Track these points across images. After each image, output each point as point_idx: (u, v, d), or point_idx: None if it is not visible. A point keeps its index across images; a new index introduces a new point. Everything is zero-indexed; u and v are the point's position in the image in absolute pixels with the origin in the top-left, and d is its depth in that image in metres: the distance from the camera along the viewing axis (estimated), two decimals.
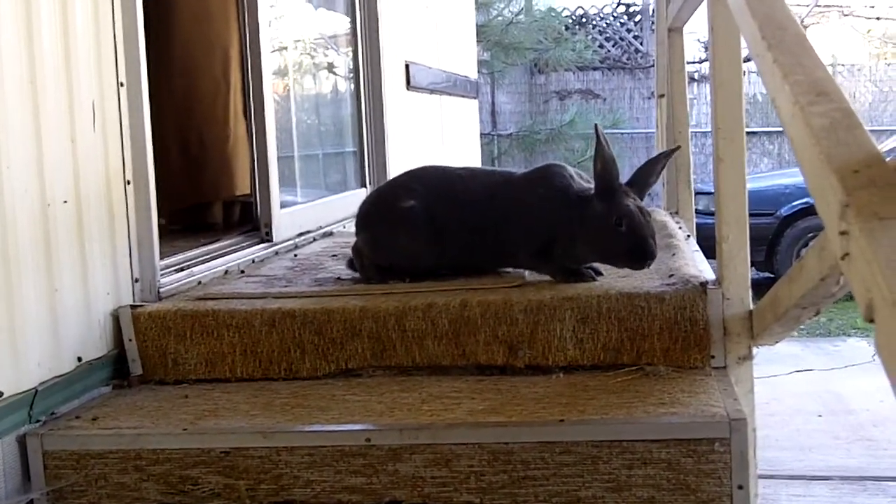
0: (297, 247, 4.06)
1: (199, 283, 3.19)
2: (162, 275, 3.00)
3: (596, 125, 2.75)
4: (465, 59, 7.75)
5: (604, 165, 2.70)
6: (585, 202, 2.75)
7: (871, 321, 1.14)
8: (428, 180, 3.07)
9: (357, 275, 3.13)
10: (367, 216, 3.13)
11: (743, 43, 2.50)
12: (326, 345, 2.70)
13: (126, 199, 2.85)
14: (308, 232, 4.26)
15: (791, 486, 5.01)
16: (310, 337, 2.70)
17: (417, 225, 2.95)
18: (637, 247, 2.66)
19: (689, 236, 3.78)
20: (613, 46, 15.42)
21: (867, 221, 1.21)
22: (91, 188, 2.68)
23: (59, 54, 2.56)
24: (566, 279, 2.79)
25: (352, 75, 5.23)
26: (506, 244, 2.90)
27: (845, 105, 1.52)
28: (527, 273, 2.95)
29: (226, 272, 3.39)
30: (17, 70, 2.40)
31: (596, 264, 2.90)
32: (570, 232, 2.77)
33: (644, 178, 2.81)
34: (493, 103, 14.79)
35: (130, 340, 2.76)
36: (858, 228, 1.21)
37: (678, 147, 2.97)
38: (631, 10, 15.64)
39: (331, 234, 4.48)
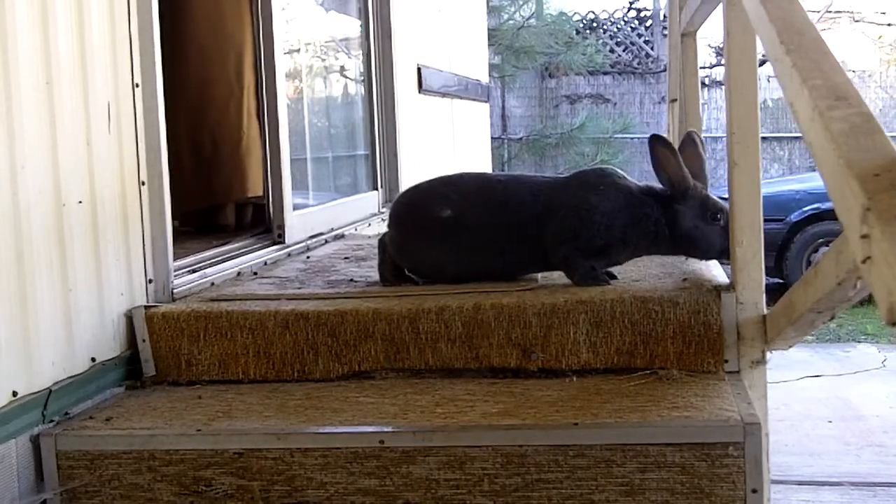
0: (309, 249, 4.06)
1: (212, 284, 3.19)
2: (175, 276, 3.01)
3: (653, 134, 2.88)
4: (476, 63, 7.76)
5: (678, 163, 2.80)
6: (668, 201, 2.83)
7: (894, 324, 1.13)
8: (466, 187, 3.01)
9: (370, 277, 3.13)
10: (399, 218, 3.07)
11: (758, 48, 2.50)
12: (340, 347, 2.70)
13: (140, 200, 2.85)
14: (320, 234, 4.27)
15: (801, 492, 5.00)
16: (323, 339, 2.70)
17: (452, 236, 2.92)
18: (726, 244, 2.75)
19: None
20: (624, 51, 15.42)
21: (889, 225, 1.20)
22: (106, 189, 2.68)
23: (74, 56, 2.57)
24: (584, 282, 2.79)
25: (364, 78, 5.24)
26: (548, 244, 2.85)
27: (865, 109, 1.52)
28: (539, 276, 2.95)
29: (238, 274, 3.40)
30: (33, 71, 2.41)
31: (611, 268, 2.90)
32: (636, 230, 2.82)
33: (698, 170, 2.88)
34: (503, 107, 14.80)
35: (144, 341, 2.76)
36: (880, 231, 1.20)
37: (690, 131, 3.00)
38: (642, 14, 15.63)
39: (343, 236, 4.48)
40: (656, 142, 2.83)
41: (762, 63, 2.52)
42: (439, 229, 2.93)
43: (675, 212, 2.82)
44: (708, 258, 2.95)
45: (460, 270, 2.95)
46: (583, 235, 2.80)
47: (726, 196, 2.67)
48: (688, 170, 2.83)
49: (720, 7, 2.82)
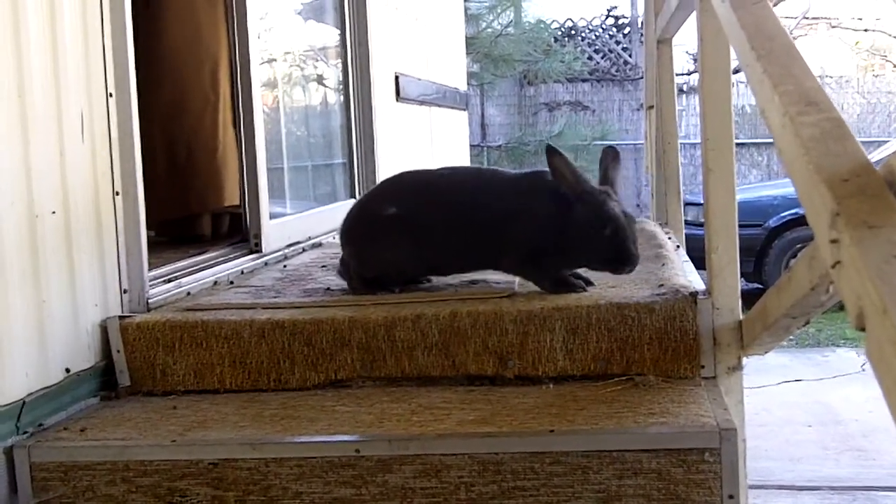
0: (286, 258, 4.05)
1: (188, 294, 3.18)
2: (150, 286, 2.99)
3: (549, 146, 2.81)
4: (454, 71, 7.76)
5: (571, 172, 2.73)
6: (570, 205, 2.74)
7: (862, 329, 1.14)
8: (408, 185, 3.07)
9: (346, 285, 3.12)
10: (349, 230, 3.10)
11: (732, 54, 2.51)
12: (316, 356, 2.69)
13: (115, 210, 2.83)
14: (297, 243, 4.26)
15: (781, 497, 5.02)
16: (299, 348, 2.69)
17: (400, 232, 2.93)
18: (619, 252, 2.69)
19: (678, 246, 3.78)
20: (602, 58, 15.46)
21: (857, 230, 1.21)
22: (79, 199, 2.67)
23: (47, 65, 2.55)
24: (555, 289, 2.78)
25: (341, 87, 5.23)
26: (491, 248, 2.86)
27: (835, 115, 1.53)
28: (517, 283, 2.94)
29: (215, 283, 3.38)
30: (5, 81, 2.39)
31: (585, 273, 2.90)
32: (558, 237, 2.76)
33: (613, 177, 2.84)
34: (482, 115, 14.82)
35: (118, 352, 2.74)
36: (849, 237, 1.21)
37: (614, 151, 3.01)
38: (620, 22, 15.69)
39: (320, 245, 4.47)
40: (550, 152, 2.77)
41: (739, 70, 2.51)
42: (387, 227, 2.95)
43: (573, 217, 2.74)
44: (597, 269, 2.81)
45: (418, 268, 2.99)
46: (513, 245, 2.82)
47: (701, 202, 2.68)
48: (605, 177, 2.82)
49: (695, 14, 2.83)
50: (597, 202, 2.72)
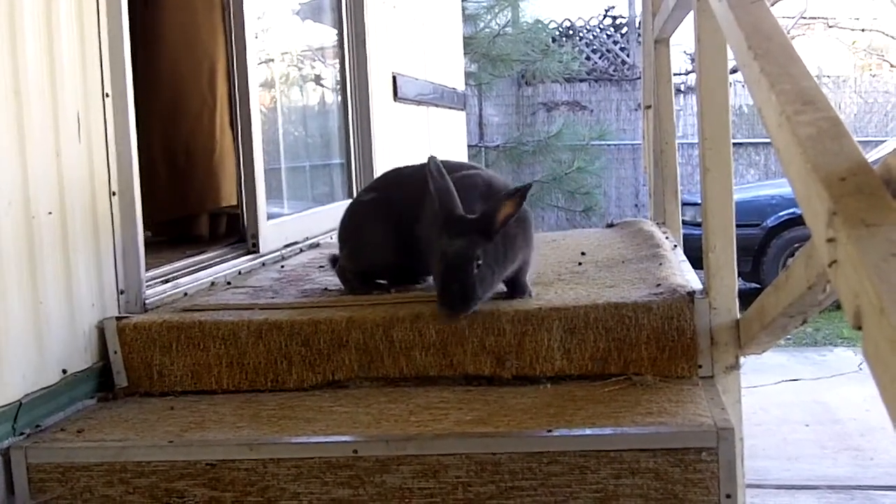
0: (283, 258, 4.05)
1: (185, 294, 3.17)
2: (147, 286, 2.99)
3: (430, 158, 2.69)
4: (452, 71, 7.76)
5: (440, 199, 2.61)
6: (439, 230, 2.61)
7: (859, 328, 1.13)
8: (387, 178, 3.24)
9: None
10: (341, 230, 3.18)
11: (729, 54, 2.51)
12: (313, 356, 2.68)
13: (111, 210, 2.83)
14: (295, 243, 4.25)
15: (778, 496, 5.02)
16: (297, 348, 2.69)
17: (379, 213, 3.00)
18: (440, 292, 2.54)
19: (675, 246, 3.78)
20: (600, 58, 15.45)
21: (854, 228, 1.21)
22: (76, 200, 2.66)
23: (43, 65, 2.55)
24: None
25: (339, 87, 5.23)
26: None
27: (832, 114, 1.52)
28: None
29: (212, 284, 3.38)
30: (1, 82, 2.38)
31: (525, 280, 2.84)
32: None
33: (494, 211, 2.56)
34: (480, 115, 14.80)
35: (115, 352, 2.74)
36: (846, 235, 1.20)
37: (530, 185, 2.71)
38: (617, 21, 15.68)
39: (318, 245, 4.46)
40: (429, 170, 2.68)
41: (736, 70, 2.51)
42: (367, 211, 3.06)
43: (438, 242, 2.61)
44: None
45: (400, 255, 2.97)
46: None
47: (699, 202, 2.67)
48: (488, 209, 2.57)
49: (692, 13, 2.83)
50: (449, 234, 2.55)
